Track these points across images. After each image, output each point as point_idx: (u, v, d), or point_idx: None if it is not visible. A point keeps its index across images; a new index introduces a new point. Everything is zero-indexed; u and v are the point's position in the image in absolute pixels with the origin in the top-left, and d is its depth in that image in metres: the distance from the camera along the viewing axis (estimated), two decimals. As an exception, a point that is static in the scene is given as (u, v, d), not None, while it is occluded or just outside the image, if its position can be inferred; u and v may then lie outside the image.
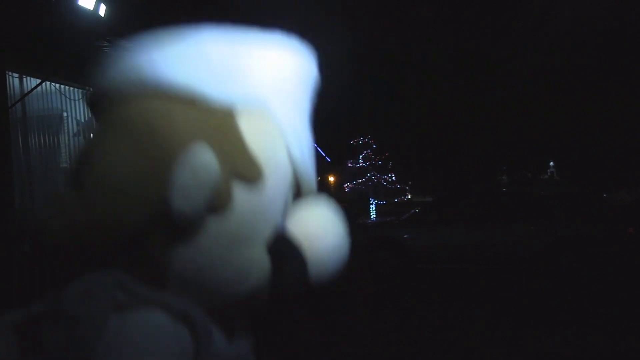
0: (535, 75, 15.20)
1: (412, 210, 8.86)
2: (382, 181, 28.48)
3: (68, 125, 8.54)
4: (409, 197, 30.56)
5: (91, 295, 0.56)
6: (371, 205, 17.87)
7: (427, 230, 7.75)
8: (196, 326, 0.57)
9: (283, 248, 0.62)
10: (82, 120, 8.92)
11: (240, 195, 0.58)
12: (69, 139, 8.56)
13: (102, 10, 6.42)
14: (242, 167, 0.58)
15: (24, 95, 7.06)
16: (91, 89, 0.65)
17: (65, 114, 8.45)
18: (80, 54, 7.14)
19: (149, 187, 0.53)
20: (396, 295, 6.21)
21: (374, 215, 17.44)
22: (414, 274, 7.17)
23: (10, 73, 7.00)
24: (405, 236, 7.57)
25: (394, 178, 28.53)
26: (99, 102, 0.64)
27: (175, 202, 0.52)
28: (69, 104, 8.50)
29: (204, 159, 0.53)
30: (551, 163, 23.41)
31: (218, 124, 0.59)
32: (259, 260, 0.60)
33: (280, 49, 0.66)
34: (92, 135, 0.55)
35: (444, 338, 4.49)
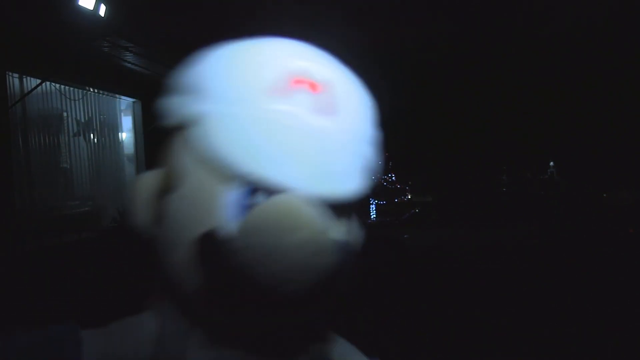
0: (536, 75, 15.20)
1: (412, 210, 8.87)
2: (382, 181, 28.48)
3: (68, 125, 8.55)
4: (409, 197, 30.58)
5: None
6: (371, 205, 17.86)
7: (427, 230, 7.76)
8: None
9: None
10: (82, 120, 8.93)
11: None
12: (69, 139, 8.56)
13: (102, 10, 6.41)
14: None
15: (24, 95, 7.06)
16: None
17: (65, 114, 8.46)
18: (80, 54, 7.15)
19: None
20: (396, 295, 6.21)
21: (374, 215, 17.43)
22: (414, 274, 7.17)
23: (10, 73, 7.00)
24: (405, 236, 7.57)
25: (394, 178, 28.53)
26: None
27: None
28: (69, 104, 8.51)
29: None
30: (551, 163, 23.40)
31: None
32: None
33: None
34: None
35: (444, 338, 4.49)
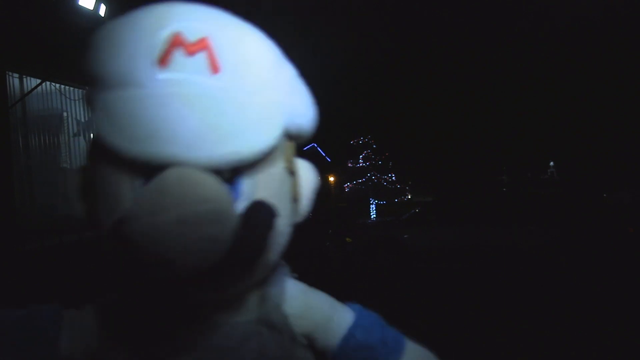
0: (536, 76, 15.20)
1: (412, 210, 8.85)
2: (382, 181, 28.48)
3: (68, 125, 8.55)
4: (409, 197, 30.57)
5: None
6: (371, 205, 17.86)
7: (427, 230, 7.75)
8: None
9: None
10: (82, 120, 8.93)
11: None
12: (69, 139, 8.57)
13: (102, 10, 6.41)
14: None
15: (24, 95, 7.06)
16: None
17: (65, 114, 8.46)
18: (80, 54, 7.15)
19: None
20: (396, 295, 6.21)
21: (374, 215, 17.43)
22: (414, 274, 7.17)
23: (10, 73, 7.00)
24: (405, 236, 7.56)
25: (394, 178, 28.52)
26: None
27: None
28: (69, 104, 8.51)
29: None
30: (551, 163, 23.37)
31: None
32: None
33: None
34: None
35: (444, 338, 4.49)
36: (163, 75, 0.58)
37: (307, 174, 0.72)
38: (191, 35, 0.59)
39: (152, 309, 0.65)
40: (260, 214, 0.59)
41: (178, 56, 0.58)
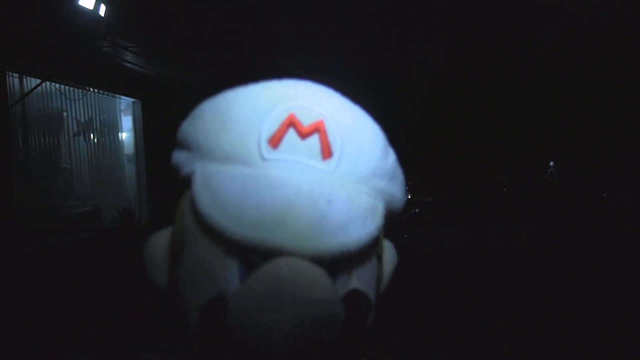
0: (536, 76, 15.20)
1: (412, 210, 8.86)
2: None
3: (68, 125, 8.56)
4: (409, 197, 30.56)
5: None
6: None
7: (427, 230, 7.75)
8: None
9: None
10: (82, 120, 8.93)
11: None
12: (69, 139, 8.57)
13: (102, 10, 6.42)
14: None
15: (24, 95, 7.07)
16: None
17: (65, 114, 8.47)
18: (80, 54, 7.15)
19: None
20: (396, 295, 6.20)
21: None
22: (414, 274, 7.17)
23: (10, 73, 7.01)
24: (405, 236, 7.56)
25: (394, 178, 28.49)
26: None
27: None
28: (69, 104, 8.51)
29: None
30: (551, 163, 23.38)
31: None
32: None
33: None
34: None
35: (444, 338, 4.49)
36: (274, 155, 0.55)
37: (390, 254, 0.70)
38: (306, 117, 0.57)
39: None
40: (360, 304, 0.56)
41: (291, 138, 0.56)
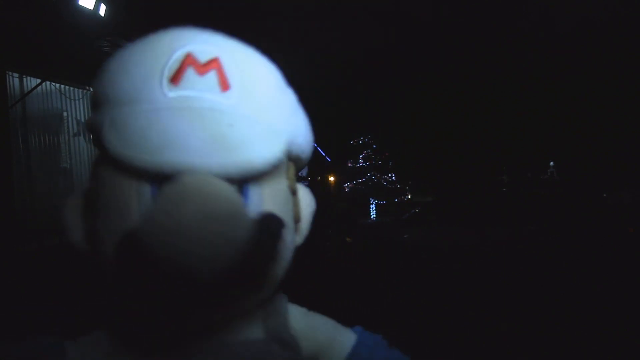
0: (536, 76, 15.20)
1: (412, 210, 8.86)
2: (382, 181, 28.49)
3: (68, 125, 8.56)
4: (409, 197, 30.58)
5: None
6: (371, 205, 17.88)
7: (427, 230, 7.75)
8: None
9: None
10: (82, 120, 8.94)
11: None
12: (69, 139, 8.57)
13: (102, 10, 6.42)
14: None
15: (24, 95, 7.07)
16: None
17: (65, 114, 8.47)
18: (80, 54, 7.16)
19: None
20: (396, 295, 6.21)
21: (374, 215, 17.43)
22: (414, 274, 7.17)
23: (10, 73, 7.01)
24: (405, 236, 7.57)
25: (394, 178, 28.53)
26: None
27: None
28: (69, 104, 8.51)
29: None
30: (551, 163, 23.39)
31: None
32: None
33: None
34: None
35: (444, 338, 4.49)
36: (175, 92, 0.60)
37: (306, 197, 0.74)
38: (202, 56, 0.62)
39: (161, 333, 0.64)
40: (271, 223, 0.60)
41: (189, 75, 0.61)
